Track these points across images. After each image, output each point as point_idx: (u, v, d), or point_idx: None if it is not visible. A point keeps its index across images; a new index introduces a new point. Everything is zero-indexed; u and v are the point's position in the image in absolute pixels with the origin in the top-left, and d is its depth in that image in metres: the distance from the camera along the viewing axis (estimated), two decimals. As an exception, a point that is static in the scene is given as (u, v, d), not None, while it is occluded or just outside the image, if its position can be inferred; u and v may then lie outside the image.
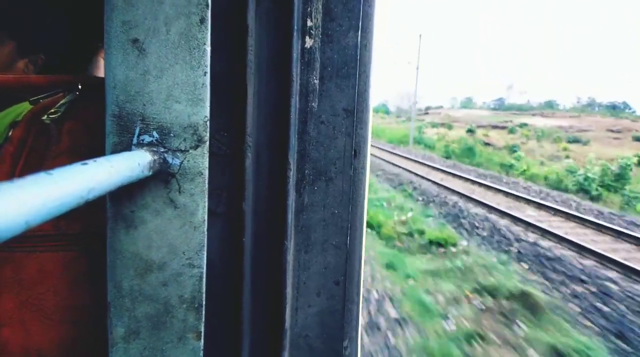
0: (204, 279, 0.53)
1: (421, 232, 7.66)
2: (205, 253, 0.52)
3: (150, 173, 0.47)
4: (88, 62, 0.79)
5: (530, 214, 9.81)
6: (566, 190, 14.51)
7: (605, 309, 5.19)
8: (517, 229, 8.50)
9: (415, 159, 21.30)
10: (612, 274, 6.26)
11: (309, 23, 0.60)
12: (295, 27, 0.58)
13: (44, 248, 0.58)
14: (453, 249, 6.96)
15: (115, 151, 0.48)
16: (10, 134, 0.61)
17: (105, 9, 0.47)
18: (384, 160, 20.70)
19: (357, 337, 0.68)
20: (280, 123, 0.60)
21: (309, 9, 0.59)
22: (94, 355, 0.60)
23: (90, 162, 0.34)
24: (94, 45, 0.79)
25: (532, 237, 8.01)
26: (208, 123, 0.50)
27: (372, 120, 0.63)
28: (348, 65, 0.61)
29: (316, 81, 0.61)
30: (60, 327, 0.59)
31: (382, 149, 27.25)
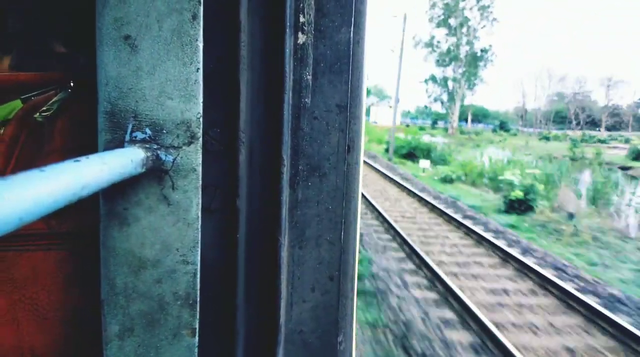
0: (198, 276, 0.53)
1: None
2: (199, 250, 0.52)
3: (143, 170, 0.47)
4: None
5: None
6: None
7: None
8: None
9: None
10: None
11: (302, 19, 0.60)
12: (288, 23, 0.58)
13: (36, 247, 0.57)
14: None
15: (107, 148, 0.48)
16: (1, 132, 0.60)
17: (96, 5, 0.47)
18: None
19: (352, 332, 0.68)
20: (274, 119, 0.60)
21: (301, 5, 0.59)
22: (89, 353, 0.60)
23: (83, 159, 0.34)
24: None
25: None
26: (201, 119, 0.50)
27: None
28: (341, 61, 0.61)
29: (309, 77, 0.61)
30: (55, 326, 0.59)
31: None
